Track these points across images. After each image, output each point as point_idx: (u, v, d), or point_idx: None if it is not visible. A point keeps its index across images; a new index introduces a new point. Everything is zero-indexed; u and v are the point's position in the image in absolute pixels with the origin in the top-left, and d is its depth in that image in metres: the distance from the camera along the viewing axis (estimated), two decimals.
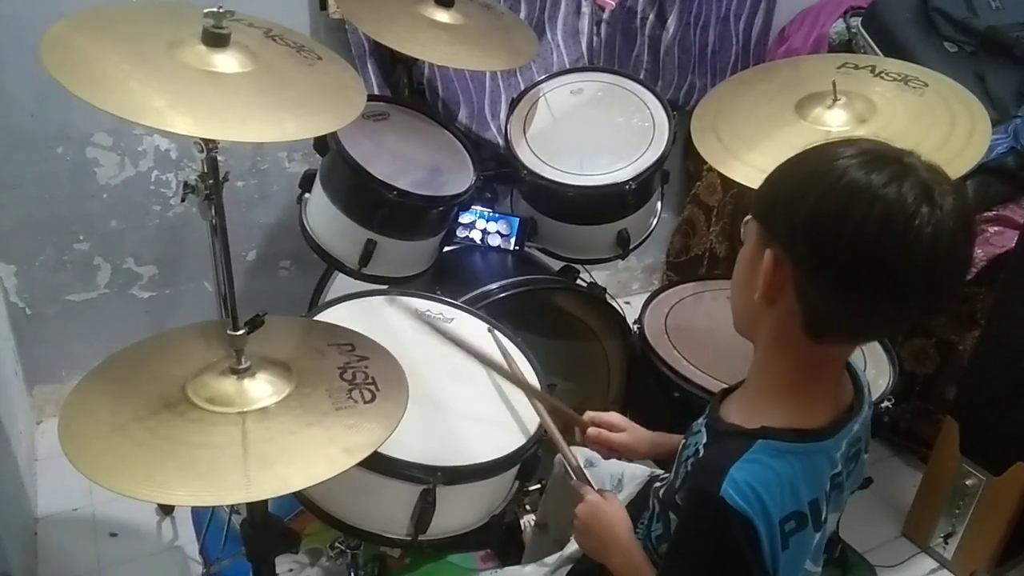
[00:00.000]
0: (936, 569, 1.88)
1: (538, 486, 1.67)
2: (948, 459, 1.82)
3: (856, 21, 2.30)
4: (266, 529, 1.22)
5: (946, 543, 1.87)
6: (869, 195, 0.76)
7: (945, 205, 0.76)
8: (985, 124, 1.47)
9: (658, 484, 1.07)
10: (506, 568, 1.40)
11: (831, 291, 0.80)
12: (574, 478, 1.15)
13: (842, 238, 0.77)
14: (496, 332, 1.52)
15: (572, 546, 1.20)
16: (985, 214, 1.90)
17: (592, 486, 1.13)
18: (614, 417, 1.22)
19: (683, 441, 1.00)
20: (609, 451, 1.23)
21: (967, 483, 1.79)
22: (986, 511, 1.78)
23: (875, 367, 1.64)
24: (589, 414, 1.24)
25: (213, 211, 1.18)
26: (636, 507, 1.12)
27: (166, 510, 1.86)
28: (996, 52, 2.13)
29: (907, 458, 2.15)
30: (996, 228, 1.87)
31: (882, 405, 1.55)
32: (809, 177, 0.80)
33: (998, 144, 1.88)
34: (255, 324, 1.12)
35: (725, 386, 1.01)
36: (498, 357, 1.41)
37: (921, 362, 2.06)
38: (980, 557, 1.80)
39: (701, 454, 0.92)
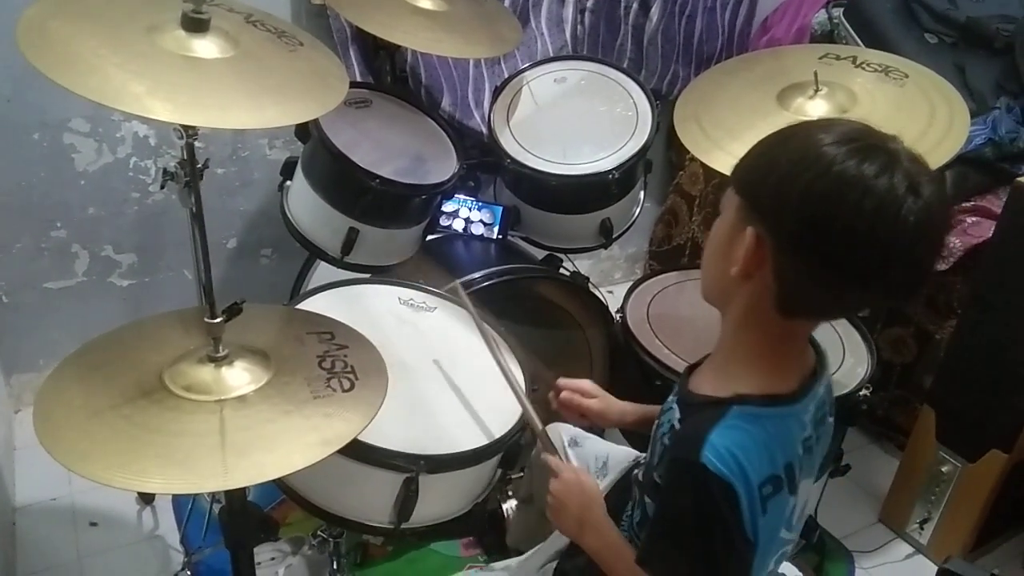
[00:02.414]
0: (912, 554, 1.91)
1: (521, 474, 1.68)
2: (924, 446, 1.85)
3: (838, 12, 2.31)
4: (244, 517, 1.22)
5: (922, 529, 1.89)
6: (862, 185, 0.77)
7: (927, 195, 0.78)
8: (964, 115, 1.48)
9: (636, 470, 1.08)
10: (492, 565, 1.40)
11: (810, 273, 0.82)
12: (549, 453, 1.16)
13: (834, 224, 0.79)
14: (460, 286, 1.50)
15: (555, 543, 1.22)
16: (963, 204, 1.92)
17: (564, 460, 1.14)
18: (586, 384, 1.24)
19: (656, 420, 1.01)
20: (580, 417, 1.25)
21: (943, 470, 1.82)
22: (961, 497, 1.81)
23: (853, 356, 1.66)
24: (562, 380, 1.25)
25: (192, 198, 1.17)
26: (619, 494, 1.13)
27: (146, 499, 1.85)
28: (975, 44, 2.14)
29: (884, 445, 2.18)
30: (974, 218, 1.89)
31: (860, 393, 1.56)
32: (800, 161, 0.81)
33: (976, 135, 1.90)
34: (233, 312, 1.12)
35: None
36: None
37: (899, 351, 2.08)
38: (955, 542, 1.83)
39: (678, 428, 0.93)
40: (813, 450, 0.93)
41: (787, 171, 0.82)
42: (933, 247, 0.83)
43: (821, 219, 0.79)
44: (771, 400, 0.87)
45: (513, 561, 1.30)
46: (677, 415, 0.94)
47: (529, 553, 1.26)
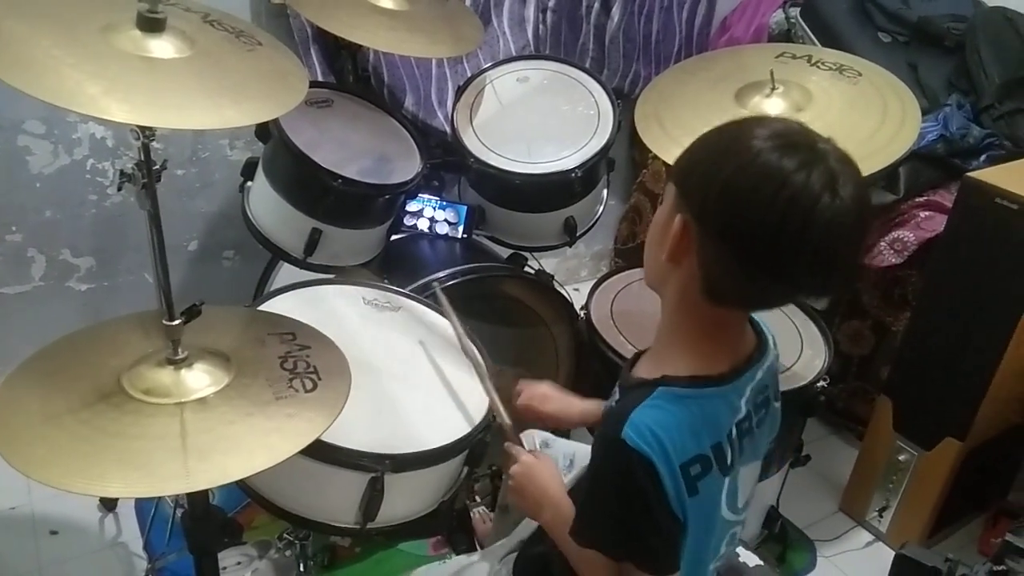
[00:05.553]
0: (872, 542, 1.95)
1: (488, 472, 1.69)
2: (882, 436, 1.89)
3: (795, 11, 2.35)
4: (207, 521, 1.21)
5: (881, 516, 1.94)
6: (780, 178, 0.79)
7: (845, 196, 0.80)
8: (916, 112, 1.52)
9: None
10: (457, 557, 1.41)
11: (729, 261, 0.84)
12: (512, 442, 1.18)
13: (749, 215, 0.81)
14: (439, 289, 1.51)
15: (518, 535, 1.23)
16: (916, 199, 1.96)
17: (523, 447, 1.16)
18: (544, 388, 1.26)
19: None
20: (539, 420, 1.27)
21: (900, 458, 1.86)
22: (918, 485, 1.85)
23: (811, 348, 1.69)
24: (521, 384, 1.27)
25: (149, 200, 1.16)
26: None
27: (108, 506, 1.82)
28: (927, 42, 2.20)
29: (844, 436, 2.22)
30: (927, 213, 1.94)
31: (818, 385, 1.60)
32: (725, 152, 0.84)
33: (929, 132, 1.94)
34: (192, 314, 1.11)
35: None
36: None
37: (857, 343, 2.13)
38: (913, 529, 1.88)
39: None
40: (753, 433, 0.96)
41: (712, 162, 0.85)
42: (848, 247, 0.84)
43: (738, 209, 0.81)
44: (696, 381, 0.90)
45: (476, 554, 1.31)
46: (616, 398, 0.98)
47: (491, 547, 1.27)
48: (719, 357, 0.92)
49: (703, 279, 0.87)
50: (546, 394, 1.25)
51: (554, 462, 1.17)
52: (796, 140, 0.82)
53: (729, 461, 0.91)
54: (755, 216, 0.80)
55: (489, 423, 1.36)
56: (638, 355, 1.03)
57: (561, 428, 1.32)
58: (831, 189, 0.79)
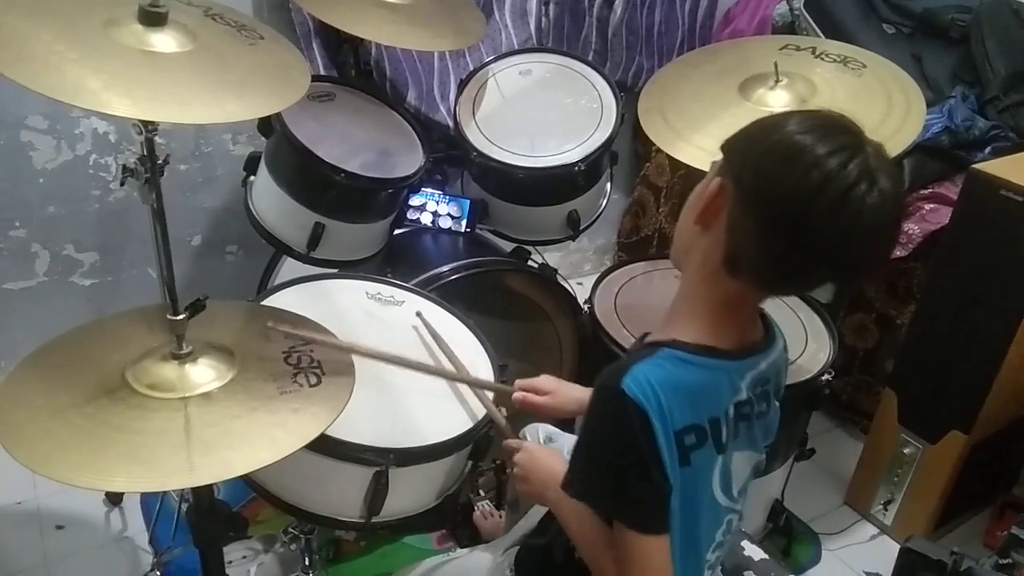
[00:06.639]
0: (877, 535, 1.95)
1: (492, 466, 1.69)
2: (887, 429, 1.89)
3: (799, 3, 2.34)
4: (212, 515, 1.21)
5: (886, 510, 1.94)
6: (813, 158, 0.81)
7: (882, 186, 0.81)
8: (920, 104, 1.51)
9: None
10: (459, 551, 1.42)
11: (756, 230, 0.85)
12: (508, 438, 1.19)
13: (781, 188, 0.83)
14: (424, 315, 1.51)
15: (520, 529, 1.24)
16: (921, 191, 1.95)
17: (518, 438, 1.18)
18: (541, 381, 1.26)
19: None
20: (536, 412, 1.27)
21: (905, 452, 1.86)
22: (923, 478, 1.85)
23: (816, 341, 1.69)
24: (518, 382, 1.27)
25: (153, 195, 1.16)
26: None
27: (114, 500, 1.82)
28: (932, 34, 2.19)
29: (849, 429, 2.22)
30: (931, 205, 1.93)
31: (823, 378, 1.59)
32: (773, 126, 0.87)
33: (933, 124, 1.93)
34: (196, 308, 1.11)
35: None
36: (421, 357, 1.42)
37: (861, 336, 2.12)
38: (918, 522, 1.87)
39: None
40: (751, 421, 0.96)
41: (757, 132, 0.88)
42: (876, 240, 0.86)
43: (772, 179, 0.84)
44: (703, 350, 0.91)
45: (479, 548, 1.31)
46: None
47: (494, 540, 1.27)
48: (727, 332, 0.93)
49: (727, 245, 0.88)
50: (541, 387, 1.25)
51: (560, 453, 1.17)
52: (840, 128, 0.84)
53: (724, 439, 0.91)
54: (786, 189, 0.82)
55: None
56: (647, 335, 1.03)
57: (560, 419, 1.32)
58: (869, 180, 0.81)
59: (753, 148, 0.87)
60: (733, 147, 0.91)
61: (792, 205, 0.82)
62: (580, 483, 0.95)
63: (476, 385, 1.36)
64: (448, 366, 1.40)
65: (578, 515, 0.97)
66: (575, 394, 1.24)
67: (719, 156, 0.92)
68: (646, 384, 0.85)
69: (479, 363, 1.45)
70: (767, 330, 0.99)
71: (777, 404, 1.02)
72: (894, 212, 0.85)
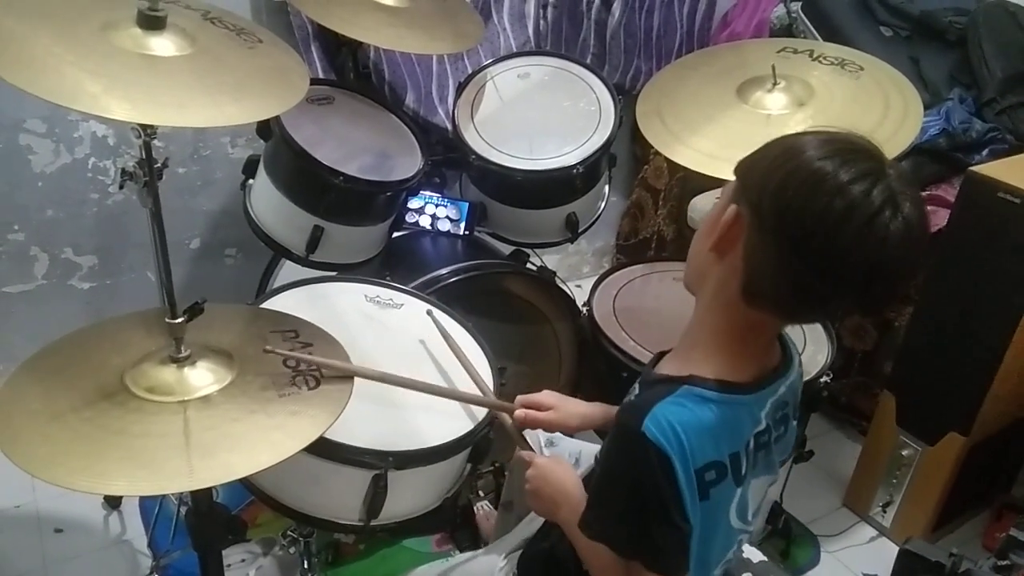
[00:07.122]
0: (875, 537, 1.95)
1: (491, 469, 1.69)
2: (885, 431, 1.89)
3: (796, 6, 2.35)
4: (211, 519, 1.21)
5: (884, 512, 1.94)
6: (836, 185, 0.79)
7: (907, 213, 0.80)
8: (918, 107, 1.51)
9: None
10: (460, 555, 1.41)
11: (776, 259, 0.83)
12: (523, 448, 1.18)
13: (804, 216, 0.81)
14: (435, 313, 1.51)
15: (521, 533, 1.23)
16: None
17: (533, 450, 1.16)
18: (543, 397, 1.24)
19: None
20: (539, 428, 1.26)
21: (903, 453, 1.86)
22: (921, 480, 1.85)
23: (814, 344, 1.69)
24: (520, 398, 1.25)
25: (151, 198, 1.16)
26: (589, 484, 1.14)
27: (113, 504, 1.82)
28: (929, 36, 2.20)
29: (847, 431, 2.22)
30: (929, 207, 1.90)
31: (821, 380, 1.59)
32: (791, 150, 0.85)
33: (931, 126, 1.94)
34: (194, 312, 1.11)
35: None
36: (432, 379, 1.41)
37: (860, 338, 2.12)
38: (916, 524, 1.87)
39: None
40: (770, 447, 0.95)
41: (777, 157, 0.85)
42: (900, 267, 0.83)
43: (794, 208, 0.81)
44: (723, 387, 0.89)
45: (479, 552, 1.31)
46: (636, 392, 0.97)
47: (494, 543, 1.27)
48: (746, 364, 0.91)
49: (745, 274, 0.86)
50: (544, 402, 1.23)
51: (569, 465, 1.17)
52: (861, 152, 0.82)
53: (743, 472, 0.90)
54: (809, 217, 0.80)
55: (492, 419, 1.36)
56: (661, 354, 1.02)
57: (567, 434, 1.31)
58: (893, 206, 0.79)
59: (772, 175, 0.84)
60: (749, 172, 0.88)
61: (816, 234, 0.80)
62: (599, 525, 0.93)
63: (477, 404, 1.35)
64: (455, 366, 1.40)
65: (592, 544, 0.96)
66: (578, 409, 1.23)
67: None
68: (667, 427, 0.84)
69: (478, 366, 1.45)
70: (784, 350, 0.98)
71: (794, 423, 1.01)
72: (919, 238, 0.82)
